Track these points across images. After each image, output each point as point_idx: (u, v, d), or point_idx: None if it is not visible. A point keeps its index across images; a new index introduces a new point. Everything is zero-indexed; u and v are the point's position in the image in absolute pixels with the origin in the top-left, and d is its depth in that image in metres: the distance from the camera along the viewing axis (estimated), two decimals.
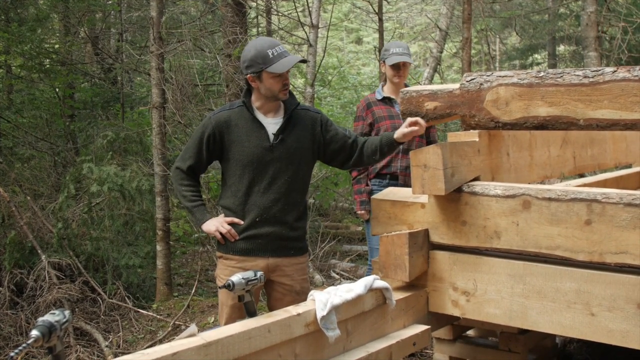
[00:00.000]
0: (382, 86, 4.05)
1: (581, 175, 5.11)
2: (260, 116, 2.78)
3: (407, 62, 3.89)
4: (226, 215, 2.79)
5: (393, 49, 3.90)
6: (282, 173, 2.75)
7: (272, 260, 2.78)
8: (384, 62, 3.96)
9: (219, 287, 2.70)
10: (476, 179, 2.61)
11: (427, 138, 3.95)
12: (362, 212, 3.96)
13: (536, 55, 15.28)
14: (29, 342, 1.62)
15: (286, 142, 2.76)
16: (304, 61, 2.85)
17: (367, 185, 3.96)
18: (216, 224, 2.75)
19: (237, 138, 2.74)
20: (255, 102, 2.79)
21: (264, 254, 2.76)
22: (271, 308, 2.85)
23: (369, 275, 2.76)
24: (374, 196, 2.89)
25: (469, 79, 2.57)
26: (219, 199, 2.93)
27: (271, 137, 2.75)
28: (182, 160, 2.84)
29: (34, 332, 1.63)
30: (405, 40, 17.23)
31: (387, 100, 3.96)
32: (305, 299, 2.38)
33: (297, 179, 2.80)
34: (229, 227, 2.74)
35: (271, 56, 2.64)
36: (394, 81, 3.93)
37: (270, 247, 2.76)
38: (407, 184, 3.69)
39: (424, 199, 2.63)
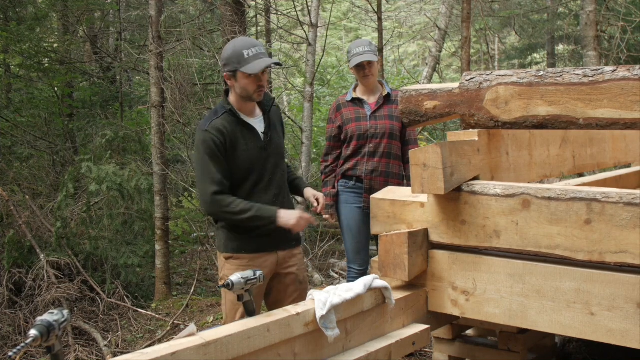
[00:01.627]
0: (355, 87, 3.96)
1: (580, 175, 5.11)
2: (245, 118, 2.83)
3: (371, 61, 3.76)
4: None
5: (353, 51, 3.80)
6: (277, 168, 2.88)
7: (280, 254, 2.89)
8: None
9: (218, 287, 2.71)
10: (476, 178, 2.60)
11: (402, 138, 3.89)
12: (327, 216, 3.90)
13: (535, 55, 15.27)
14: (28, 341, 1.61)
15: (273, 139, 2.89)
16: (278, 64, 2.81)
17: (334, 187, 3.92)
18: (296, 215, 2.73)
19: (235, 144, 2.77)
20: (235, 104, 2.82)
21: (273, 249, 2.87)
22: (275, 299, 2.93)
23: (351, 281, 2.74)
24: (373, 195, 2.88)
25: (468, 78, 2.56)
26: None
27: (261, 136, 2.84)
28: (212, 183, 2.69)
29: (33, 332, 1.62)
30: (404, 39, 17.20)
31: (357, 102, 3.89)
32: (305, 288, 2.41)
33: (284, 170, 2.98)
34: (308, 214, 2.79)
35: (246, 56, 2.65)
36: (363, 82, 3.86)
37: (277, 242, 2.87)
38: (372, 187, 3.66)
39: (423, 198, 2.63)
